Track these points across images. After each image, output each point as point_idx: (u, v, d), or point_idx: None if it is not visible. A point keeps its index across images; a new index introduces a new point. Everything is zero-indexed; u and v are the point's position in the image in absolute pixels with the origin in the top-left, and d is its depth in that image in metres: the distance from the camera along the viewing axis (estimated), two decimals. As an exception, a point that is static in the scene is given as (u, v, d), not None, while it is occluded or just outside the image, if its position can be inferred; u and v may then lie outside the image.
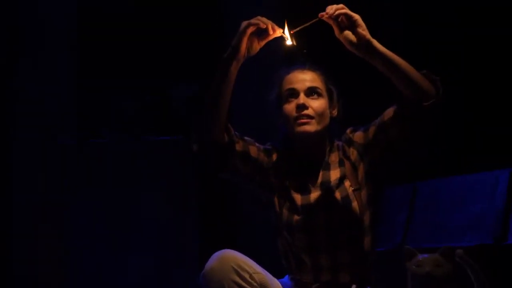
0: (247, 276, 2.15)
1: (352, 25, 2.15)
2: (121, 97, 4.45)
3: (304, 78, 2.37)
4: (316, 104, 2.33)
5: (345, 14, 2.14)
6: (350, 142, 2.39)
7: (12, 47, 4.92)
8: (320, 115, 2.33)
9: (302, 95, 2.33)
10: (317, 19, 2.17)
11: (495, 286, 2.44)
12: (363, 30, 2.15)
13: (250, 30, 2.20)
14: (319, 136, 2.36)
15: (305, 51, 2.35)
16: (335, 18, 2.15)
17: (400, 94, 2.24)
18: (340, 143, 2.42)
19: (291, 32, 2.24)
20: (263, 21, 2.20)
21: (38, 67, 4.92)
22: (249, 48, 2.24)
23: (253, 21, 2.20)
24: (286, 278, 2.37)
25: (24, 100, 4.89)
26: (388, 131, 2.29)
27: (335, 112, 2.40)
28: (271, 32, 2.21)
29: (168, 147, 4.29)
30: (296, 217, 2.30)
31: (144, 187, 4.24)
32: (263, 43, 2.25)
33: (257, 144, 2.40)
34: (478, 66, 4.91)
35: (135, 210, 4.22)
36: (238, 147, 2.32)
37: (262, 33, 2.23)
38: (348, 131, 2.42)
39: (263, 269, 2.23)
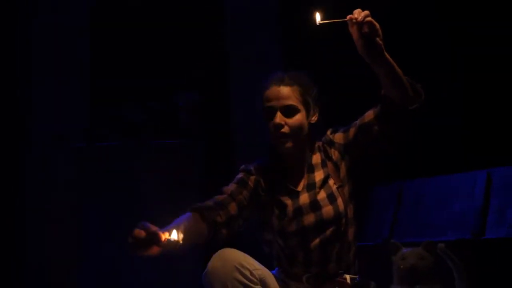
0: (248, 273, 2.16)
1: (372, 33, 2.12)
2: (129, 104, 4.45)
3: (280, 96, 2.34)
4: (292, 121, 2.33)
5: (370, 22, 2.11)
6: (331, 143, 2.41)
7: (26, 56, 4.94)
8: (297, 130, 2.33)
9: (278, 114, 2.33)
10: (345, 19, 2.13)
11: (473, 277, 2.48)
12: (381, 39, 2.13)
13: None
14: (299, 147, 2.37)
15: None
16: (361, 24, 2.11)
17: (386, 98, 2.27)
18: (321, 144, 2.43)
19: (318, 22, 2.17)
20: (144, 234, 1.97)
21: (50, 74, 4.94)
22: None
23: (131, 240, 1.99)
24: (276, 270, 2.39)
25: (37, 106, 4.88)
26: (369, 132, 2.32)
27: (314, 119, 2.40)
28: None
29: (173, 150, 4.29)
30: (288, 222, 2.32)
31: (149, 187, 4.22)
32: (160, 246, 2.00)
33: (234, 188, 2.36)
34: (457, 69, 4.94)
35: (141, 209, 4.20)
36: (237, 218, 2.33)
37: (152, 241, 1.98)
38: (328, 132, 2.44)
39: (261, 265, 2.25)
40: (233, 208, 2.32)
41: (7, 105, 4.84)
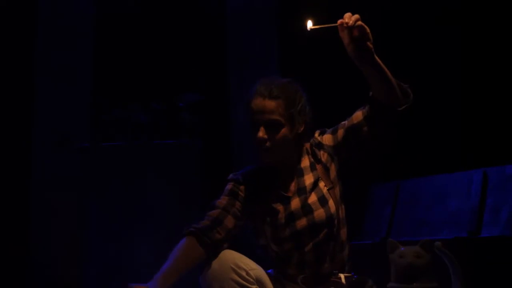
0: (244, 273, 2.15)
1: (363, 37, 2.10)
2: (132, 105, 4.47)
3: (264, 110, 2.28)
4: (276, 136, 2.28)
5: (360, 26, 2.09)
6: (319, 146, 2.37)
7: (30, 57, 4.96)
8: (279, 145, 2.28)
9: (261, 128, 2.27)
10: (336, 24, 2.11)
11: (469, 275, 2.50)
12: (371, 43, 2.11)
13: None
14: (283, 158, 2.34)
15: None
16: (351, 28, 2.09)
17: (375, 99, 2.26)
18: (309, 146, 2.39)
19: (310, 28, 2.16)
20: None
21: (56, 74, 4.96)
22: None
23: None
24: (272, 270, 2.38)
25: (42, 107, 4.91)
26: (358, 133, 2.30)
27: (301, 129, 2.33)
28: None
29: (174, 150, 4.31)
30: (281, 228, 2.30)
31: (151, 187, 4.24)
32: None
33: (226, 201, 2.34)
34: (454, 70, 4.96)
35: (144, 206, 4.21)
36: (235, 229, 2.31)
37: None
38: (316, 134, 2.40)
39: (258, 265, 2.24)
40: (229, 221, 2.30)
41: (12, 106, 4.87)
